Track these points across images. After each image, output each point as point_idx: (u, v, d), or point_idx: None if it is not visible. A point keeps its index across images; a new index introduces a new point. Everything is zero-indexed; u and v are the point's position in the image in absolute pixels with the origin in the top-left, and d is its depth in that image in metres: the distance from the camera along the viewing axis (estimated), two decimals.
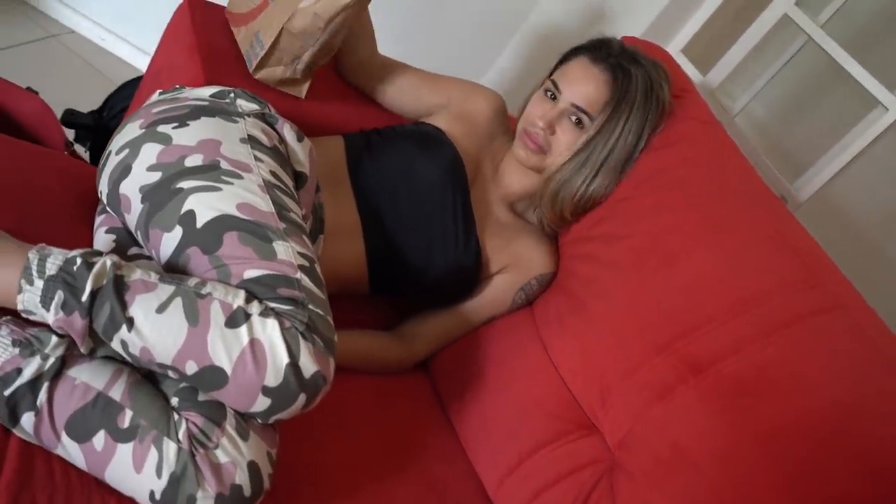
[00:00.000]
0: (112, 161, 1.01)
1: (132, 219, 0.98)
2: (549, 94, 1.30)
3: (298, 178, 1.12)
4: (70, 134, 1.52)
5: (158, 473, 0.81)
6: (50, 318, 0.82)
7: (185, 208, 0.91)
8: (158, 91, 1.15)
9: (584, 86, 1.27)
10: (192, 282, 0.86)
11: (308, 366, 0.83)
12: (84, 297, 0.81)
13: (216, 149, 0.98)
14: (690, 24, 1.92)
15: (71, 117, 1.48)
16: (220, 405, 0.86)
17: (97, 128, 1.51)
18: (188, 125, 1.01)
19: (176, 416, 0.84)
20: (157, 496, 0.81)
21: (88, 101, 1.62)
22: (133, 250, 1.03)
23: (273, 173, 1.01)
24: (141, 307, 0.82)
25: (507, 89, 2.06)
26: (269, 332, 0.82)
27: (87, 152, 1.57)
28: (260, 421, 0.87)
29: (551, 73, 1.35)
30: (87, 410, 0.82)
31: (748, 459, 0.99)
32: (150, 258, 1.00)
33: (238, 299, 0.84)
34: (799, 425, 0.98)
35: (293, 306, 0.86)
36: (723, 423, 1.03)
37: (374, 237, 1.26)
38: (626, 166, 1.30)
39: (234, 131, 1.03)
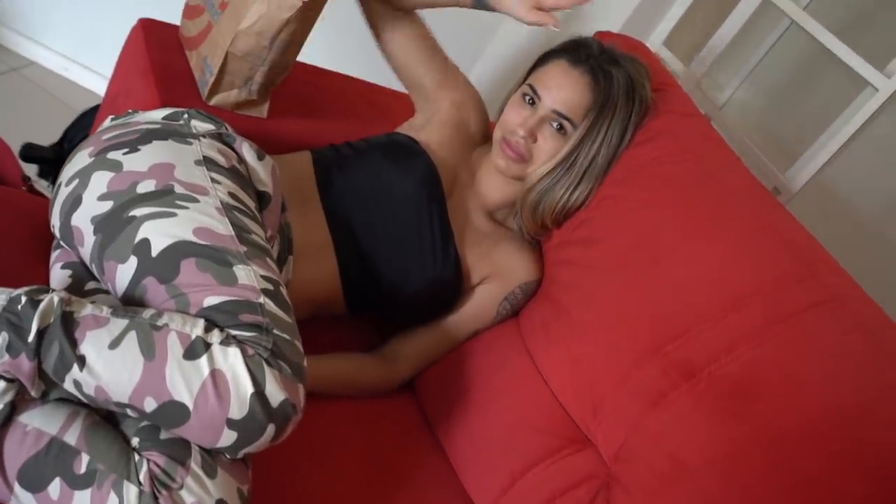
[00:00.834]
0: (62, 193, 0.98)
1: (86, 252, 0.95)
2: (527, 98, 1.26)
3: (262, 199, 1.09)
4: (33, 169, 1.50)
5: None
6: None
7: (139, 237, 0.89)
8: (110, 117, 1.13)
9: (564, 91, 1.23)
10: (148, 314, 0.83)
11: (275, 394, 0.79)
12: (30, 338, 0.78)
13: (169, 173, 0.95)
14: (670, 16, 1.89)
15: (30, 151, 1.46)
16: (185, 442, 0.82)
17: (58, 161, 1.49)
18: (139, 150, 0.98)
19: (137, 458, 0.81)
20: None
21: (55, 134, 1.60)
22: (90, 285, 1.00)
23: (232, 194, 0.98)
24: (92, 344, 0.79)
25: (486, 94, 2.04)
26: (231, 361, 0.79)
27: (50, 187, 1.55)
28: (228, 456, 0.83)
29: (527, 77, 1.30)
30: (41, 458, 0.79)
31: (748, 467, 0.96)
32: (108, 292, 0.97)
33: (197, 329, 0.81)
34: (799, 427, 0.96)
35: (256, 332, 0.83)
36: (720, 430, 1.00)
37: (346, 255, 1.22)
38: (609, 169, 1.27)
39: (188, 153, 1.00)
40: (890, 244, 1.94)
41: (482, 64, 2.17)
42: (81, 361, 0.78)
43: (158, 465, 0.80)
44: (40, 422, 0.81)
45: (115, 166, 0.95)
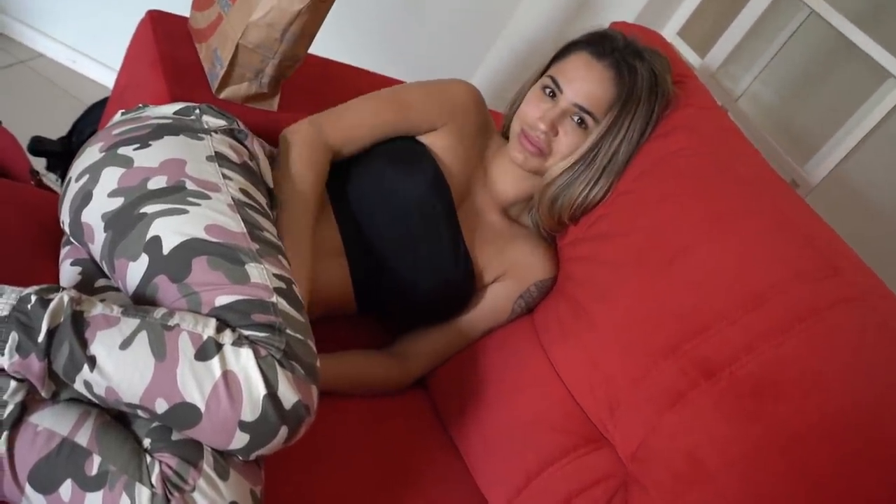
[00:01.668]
0: (72, 188, 0.98)
1: (96, 249, 0.94)
2: (548, 91, 1.23)
3: (271, 196, 1.08)
4: (42, 163, 1.49)
5: None
6: (4, 362, 0.78)
7: (150, 234, 0.88)
8: (121, 111, 1.12)
9: (588, 84, 1.20)
10: (159, 313, 0.82)
11: (288, 395, 0.78)
12: (40, 338, 0.77)
13: (181, 169, 0.94)
14: (686, 5, 1.86)
15: (38, 145, 1.45)
16: (197, 443, 0.81)
17: (66, 154, 1.48)
18: (150, 145, 0.97)
19: (149, 459, 0.80)
20: None
21: (63, 127, 1.59)
22: (101, 282, 0.99)
23: (243, 191, 0.97)
24: (103, 344, 0.78)
25: (499, 84, 2.02)
26: (244, 362, 0.78)
27: (59, 181, 1.54)
28: (241, 458, 0.82)
29: (547, 68, 1.27)
30: (52, 459, 0.79)
31: (768, 467, 0.95)
32: (118, 290, 0.97)
33: (208, 329, 0.80)
34: (821, 428, 0.94)
35: (269, 333, 0.82)
36: (740, 430, 0.98)
37: (357, 258, 1.21)
38: (628, 164, 1.25)
39: (199, 149, 0.99)
40: None
41: (495, 52, 2.15)
42: (92, 362, 0.78)
43: (170, 467, 0.79)
44: (51, 422, 0.81)
45: (126, 162, 0.94)
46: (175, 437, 0.82)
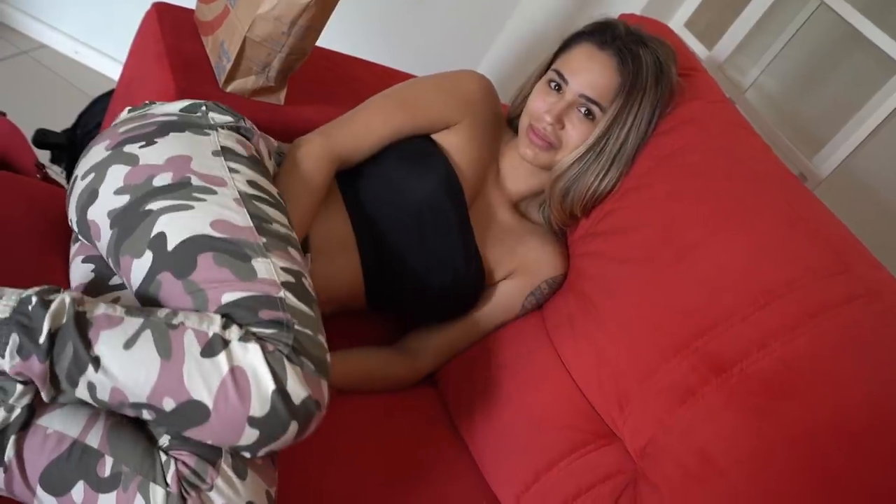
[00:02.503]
0: (78, 186, 0.97)
1: (103, 246, 0.93)
2: (553, 85, 1.22)
3: None
4: (45, 155, 1.48)
5: None
6: (5, 364, 0.77)
7: (155, 231, 0.87)
8: (127, 108, 1.11)
9: (592, 74, 1.19)
10: (163, 312, 0.81)
11: (297, 391, 0.77)
12: (41, 339, 0.76)
13: (186, 165, 0.93)
14: None
15: (43, 137, 1.44)
16: None
17: (71, 146, 1.47)
18: (156, 142, 0.96)
19: (164, 458, 0.80)
20: None
21: (66, 118, 1.58)
22: (115, 280, 0.98)
23: (251, 183, 0.96)
24: (107, 344, 0.77)
25: (504, 76, 2.01)
26: (251, 357, 0.77)
27: (64, 173, 1.53)
28: (249, 455, 0.81)
29: (552, 62, 1.26)
30: (63, 462, 0.79)
31: (780, 465, 0.94)
32: None
33: (214, 326, 0.79)
34: (832, 425, 0.94)
35: (277, 329, 0.80)
36: (751, 427, 0.98)
37: (368, 253, 1.20)
38: (637, 155, 1.24)
39: (205, 144, 0.98)
40: None
41: (500, 42, 2.14)
42: (96, 362, 0.77)
43: (188, 466, 0.79)
44: (61, 425, 0.80)
45: (132, 160, 0.94)
46: None
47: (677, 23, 1.86)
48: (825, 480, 0.91)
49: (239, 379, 0.76)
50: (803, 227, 1.10)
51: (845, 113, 1.61)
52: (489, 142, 1.29)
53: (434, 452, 1.18)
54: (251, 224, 0.89)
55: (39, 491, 0.79)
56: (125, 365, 0.77)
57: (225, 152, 0.98)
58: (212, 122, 1.03)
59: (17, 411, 0.79)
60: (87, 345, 0.77)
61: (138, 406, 0.78)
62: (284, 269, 0.87)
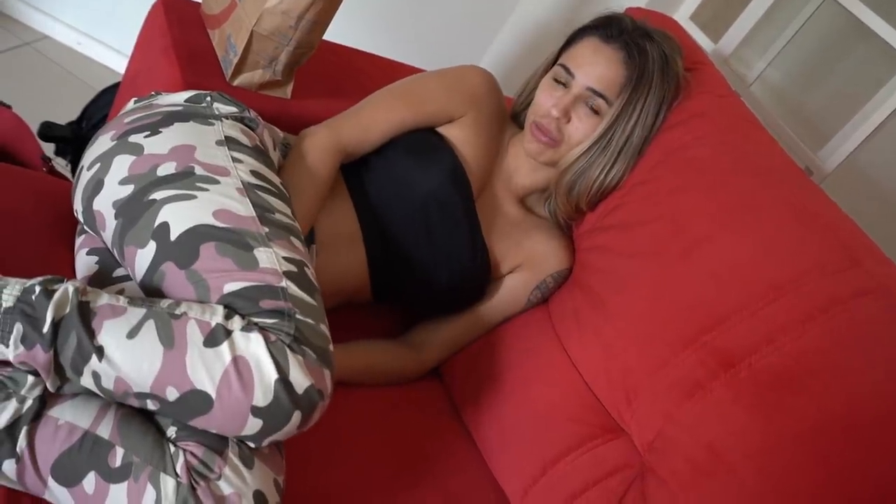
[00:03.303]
0: (84, 177, 0.97)
1: (108, 236, 0.94)
2: (559, 79, 1.22)
3: None
4: (50, 148, 1.47)
5: None
6: (10, 354, 0.77)
7: (158, 221, 0.87)
8: (133, 99, 1.11)
9: (598, 67, 1.19)
10: (166, 303, 0.82)
11: (300, 380, 0.78)
12: (45, 328, 0.77)
13: (190, 154, 0.94)
14: None
15: (48, 130, 1.43)
16: None
17: (77, 139, 1.47)
18: (160, 132, 0.97)
19: (172, 448, 0.80)
20: None
21: (69, 110, 1.57)
22: (119, 271, 0.98)
23: (255, 172, 0.96)
24: (110, 334, 0.78)
25: (507, 71, 2.01)
26: (254, 347, 0.78)
27: (69, 166, 1.53)
28: (253, 445, 0.82)
29: (557, 57, 1.26)
30: (74, 452, 0.79)
31: (788, 459, 0.94)
32: None
33: (216, 316, 0.79)
34: (841, 420, 0.94)
35: (278, 319, 0.81)
36: (759, 422, 0.98)
37: (374, 245, 1.20)
38: (644, 148, 1.24)
39: (209, 134, 0.99)
40: None
41: (503, 37, 2.13)
42: (100, 352, 0.77)
43: (196, 456, 0.79)
44: (72, 416, 0.80)
45: (136, 149, 0.94)
46: None
47: (682, 16, 1.86)
48: (833, 475, 0.91)
49: (242, 369, 0.77)
50: (812, 222, 1.10)
51: (851, 106, 1.60)
52: (495, 135, 1.29)
53: (440, 445, 1.18)
54: (254, 213, 0.90)
55: (51, 482, 0.79)
56: (128, 354, 0.77)
57: (228, 142, 0.98)
58: (216, 112, 1.03)
59: (29, 402, 0.79)
60: (91, 334, 0.77)
61: (142, 396, 0.79)
62: (286, 259, 0.87)
